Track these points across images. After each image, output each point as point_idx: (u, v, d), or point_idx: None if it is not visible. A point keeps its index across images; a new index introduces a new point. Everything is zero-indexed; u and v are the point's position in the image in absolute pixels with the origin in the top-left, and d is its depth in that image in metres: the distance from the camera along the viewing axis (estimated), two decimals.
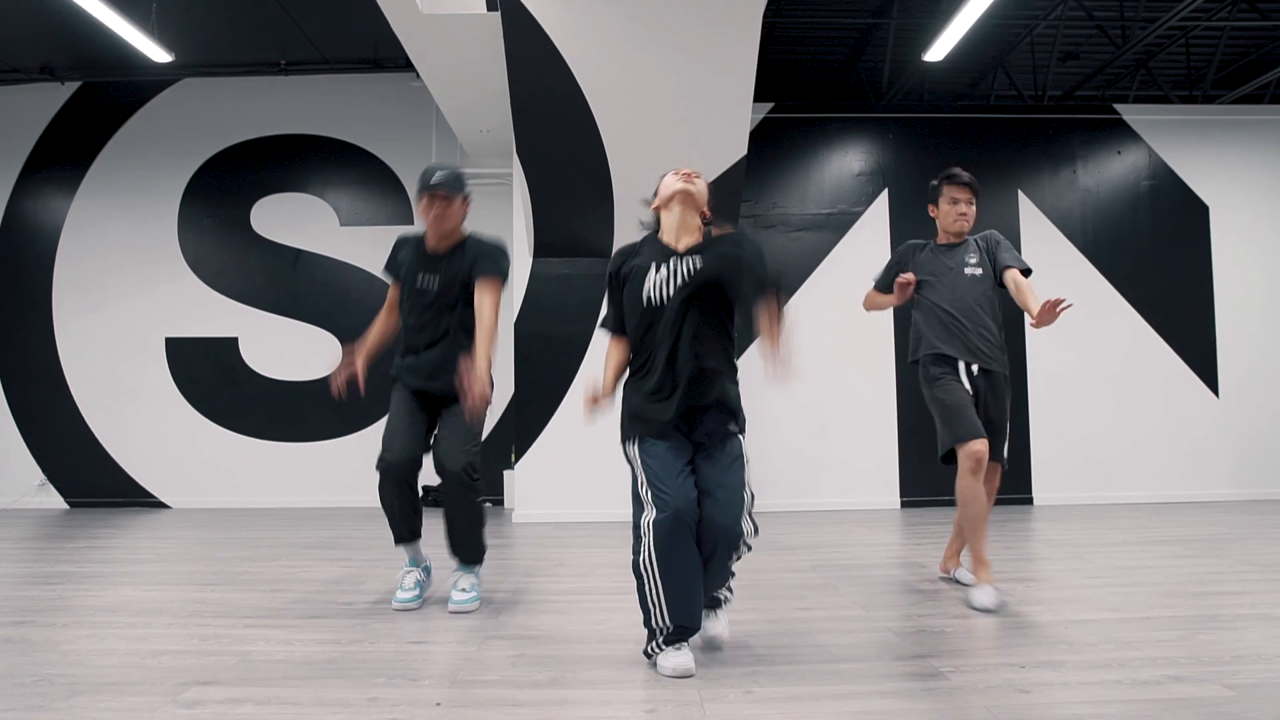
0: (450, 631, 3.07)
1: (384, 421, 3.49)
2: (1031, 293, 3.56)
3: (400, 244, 3.66)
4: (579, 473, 6.36)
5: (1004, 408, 3.68)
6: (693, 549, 2.50)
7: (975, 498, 3.54)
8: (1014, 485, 7.05)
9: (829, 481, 7.02)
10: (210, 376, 7.66)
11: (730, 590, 2.78)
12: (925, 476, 6.95)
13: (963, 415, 3.55)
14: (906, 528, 5.87)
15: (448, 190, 3.44)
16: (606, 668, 2.59)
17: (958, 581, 3.85)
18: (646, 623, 2.55)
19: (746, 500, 2.60)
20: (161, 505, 7.56)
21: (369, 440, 7.38)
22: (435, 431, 3.50)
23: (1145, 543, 5.00)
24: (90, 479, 7.61)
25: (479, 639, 2.95)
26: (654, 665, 2.55)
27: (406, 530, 3.50)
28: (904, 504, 6.99)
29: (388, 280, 3.66)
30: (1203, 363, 7.34)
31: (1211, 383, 7.33)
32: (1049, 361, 7.19)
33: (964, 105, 8.23)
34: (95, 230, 7.76)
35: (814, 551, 4.85)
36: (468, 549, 3.45)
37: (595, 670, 2.57)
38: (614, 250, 2.94)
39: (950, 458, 3.63)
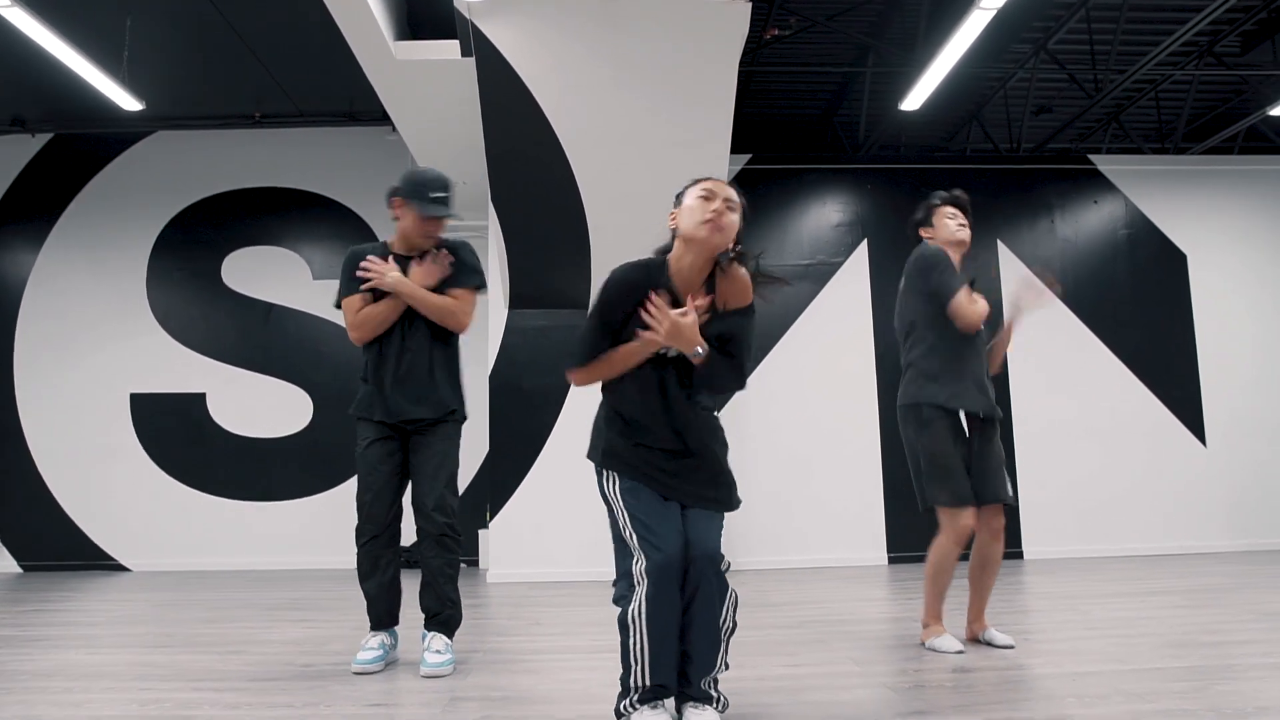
0: (414, 694, 2.85)
1: (355, 481, 3.27)
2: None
3: (352, 262, 3.29)
4: (556, 531, 6.15)
5: (997, 447, 3.47)
6: (679, 600, 2.30)
7: (950, 566, 3.40)
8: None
9: (813, 538, 6.82)
10: (176, 433, 7.41)
11: (722, 698, 2.40)
12: (914, 531, 6.76)
13: (957, 475, 3.34)
14: (895, 583, 5.69)
15: (449, 218, 3.35)
16: None
17: (990, 644, 3.42)
18: (624, 679, 2.33)
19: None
20: (121, 568, 7.24)
21: (340, 499, 7.13)
22: (410, 472, 3.25)
23: (1142, 594, 4.84)
24: (46, 541, 7.27)
25: (444, 701, 2.73)
26: None
27: (386, 615, 3.26)
28: (891, 559, 6.80)
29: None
30: (1189, 412, 7.26)
31: (1198, 432, 7.24)
32: (1034, 413, 7.06)
33: (940, 157, 8.28)
34: (61, 284, 7.57)
35: (801, 608, 4.65)
36: (448, 607, 3.19)
37: None
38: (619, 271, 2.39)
39: (932, 509, 3.42)
